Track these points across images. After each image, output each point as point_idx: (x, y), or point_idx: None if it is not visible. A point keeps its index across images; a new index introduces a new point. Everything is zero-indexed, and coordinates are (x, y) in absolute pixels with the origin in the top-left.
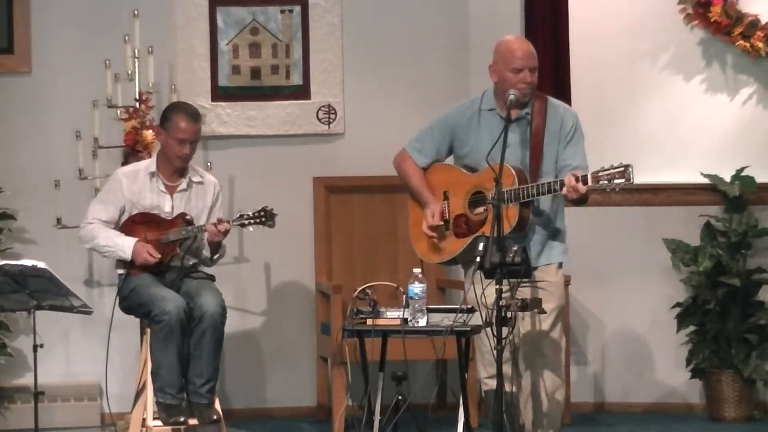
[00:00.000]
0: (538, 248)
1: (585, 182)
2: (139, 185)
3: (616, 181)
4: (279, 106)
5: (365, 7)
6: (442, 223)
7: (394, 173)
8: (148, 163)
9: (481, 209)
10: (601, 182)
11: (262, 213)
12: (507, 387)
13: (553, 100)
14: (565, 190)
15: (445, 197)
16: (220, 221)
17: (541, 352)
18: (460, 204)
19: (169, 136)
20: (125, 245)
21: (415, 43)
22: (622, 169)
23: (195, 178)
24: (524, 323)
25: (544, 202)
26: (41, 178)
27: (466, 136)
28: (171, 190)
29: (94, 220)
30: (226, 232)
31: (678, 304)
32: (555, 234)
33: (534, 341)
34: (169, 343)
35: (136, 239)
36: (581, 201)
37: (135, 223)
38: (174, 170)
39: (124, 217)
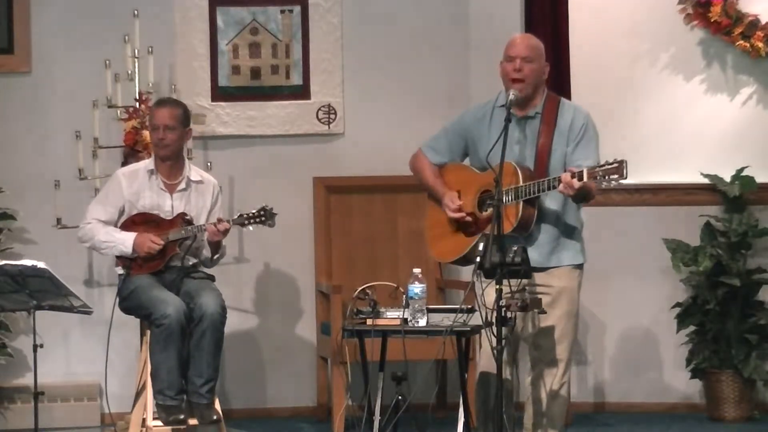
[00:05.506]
0: (548, 248)
1: (580, 178)
2: (138, 185)
3: (612, 176)
4: (279, 106)
5: (365, 7)
6: (461, 202)
7: (394, 173)
8: (147, 162)
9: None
10: (597, 178)
11: (262, 212)
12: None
13: (566, 101)
14: (561, 187)
15: (458, 197)
16: (220, 221)
17: (551, 359)
18: (470, 203)
19: (151, 129)
20: (126, 239)
21: (415, 43)
22: (617, 165)
23: (194, 177)
24: (532, 326)
25: (553, 201)
26: (41, 178)
27: (480, 135)
28: (171, 189)
29: (92, 220)
30: (225, 232)
31: (678, 304)
32: (567, 233)
33: (543, 347)
34: (169, 345)
35: (135, 233)
36: (582, 198)
37: (134, 224)
38: (167, 168)
39: (123, 218)
